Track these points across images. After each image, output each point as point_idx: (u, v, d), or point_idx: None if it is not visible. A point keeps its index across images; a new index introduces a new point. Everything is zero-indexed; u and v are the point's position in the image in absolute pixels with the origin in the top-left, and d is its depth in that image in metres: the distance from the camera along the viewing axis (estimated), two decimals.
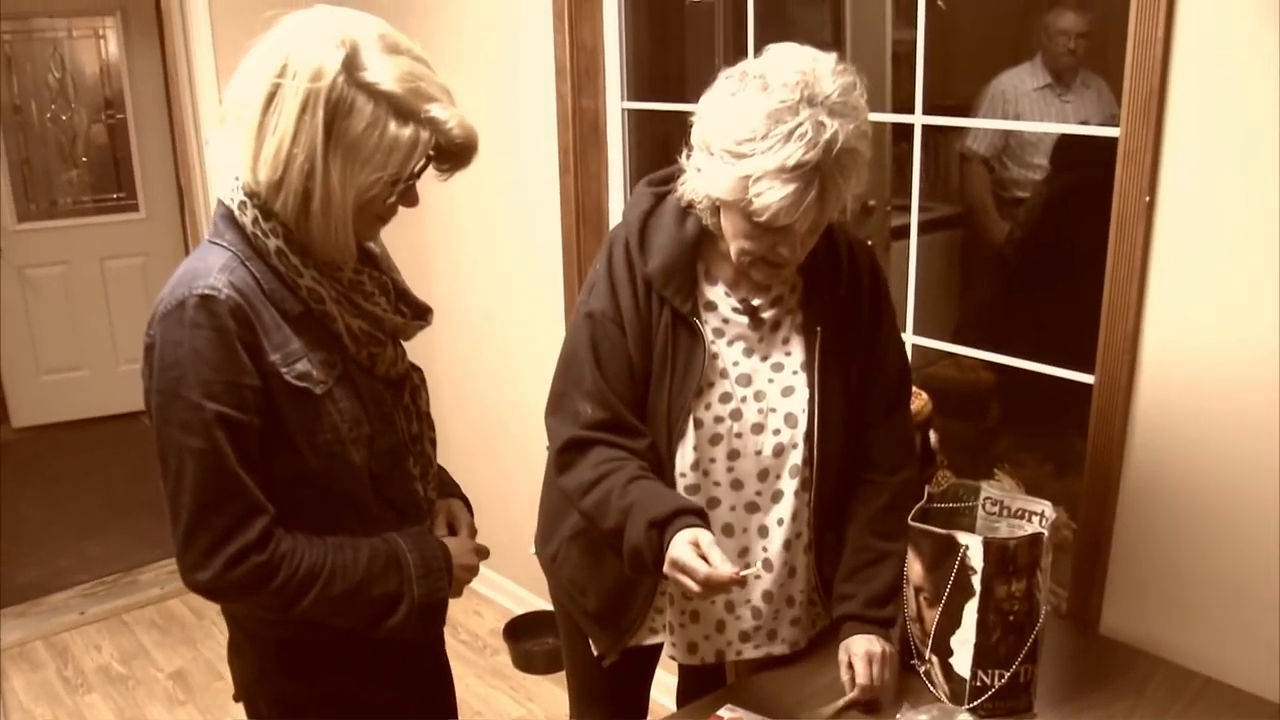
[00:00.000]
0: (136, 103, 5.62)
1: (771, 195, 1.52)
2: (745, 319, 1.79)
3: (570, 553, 1.93)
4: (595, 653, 1.95)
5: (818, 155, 1.50)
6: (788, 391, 1.79)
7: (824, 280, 1.79)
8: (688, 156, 1.69)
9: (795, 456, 1.79)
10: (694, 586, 1.55)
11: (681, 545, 1.58)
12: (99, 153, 5.81)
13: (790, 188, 1.51)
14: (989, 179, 3.44)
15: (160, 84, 5.51)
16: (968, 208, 3.70)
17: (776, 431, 1.79)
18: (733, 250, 1.68)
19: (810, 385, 1.79)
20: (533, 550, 2.06)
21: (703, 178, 1.63)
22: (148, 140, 5.68)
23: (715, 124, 1.59)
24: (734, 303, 1.79)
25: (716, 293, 1.79)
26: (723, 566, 1.54)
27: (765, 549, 1.82)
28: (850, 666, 1.76)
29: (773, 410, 1.79)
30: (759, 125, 1.52)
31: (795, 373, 1.80)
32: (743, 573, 1.56)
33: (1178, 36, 1.79)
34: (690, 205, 1.74)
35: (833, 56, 1.59)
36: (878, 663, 1.74)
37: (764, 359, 1.80)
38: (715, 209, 1.69)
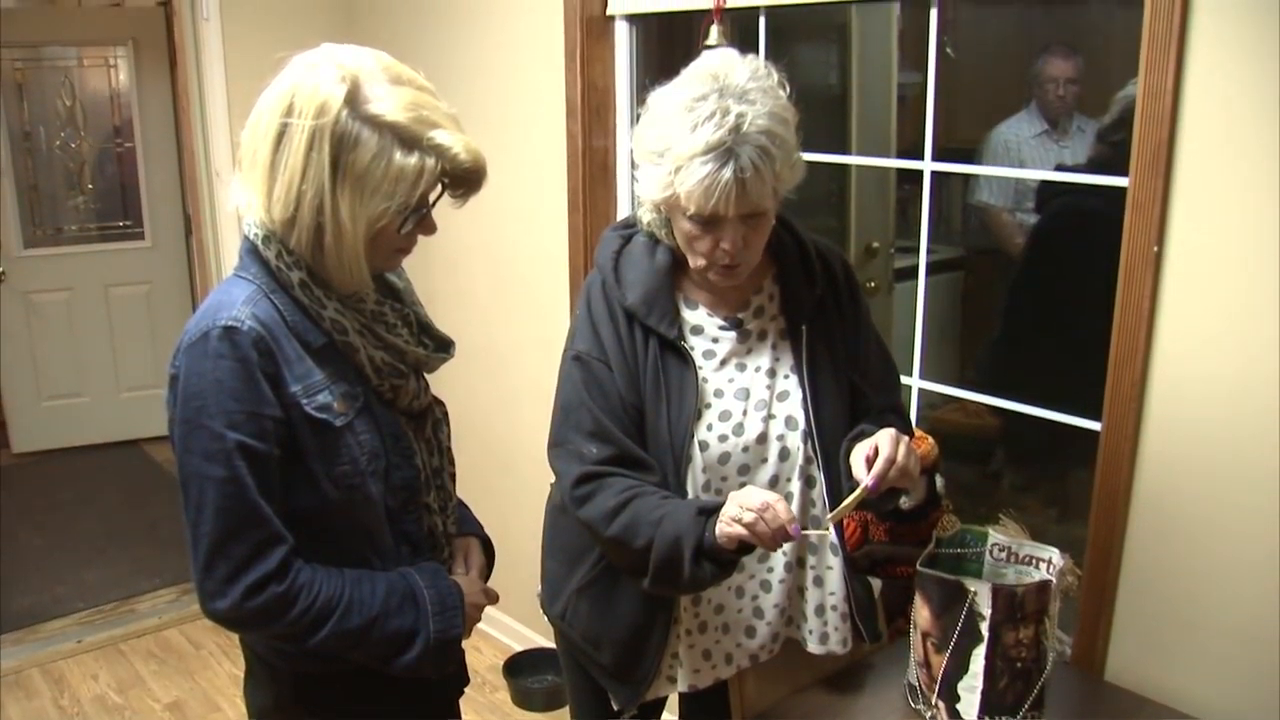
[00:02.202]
0: (145, 132, 5.66)
1: (691, 179, 1.59)
2: (734, 334, 1.82)
3: (580, 606, 1.93)
4: (615, 708, 1.94)
5: (727, 135, 1.57)
6: (783, 395, 1.82)
7: (799, 283, 1.84)
8: (635, 179, 1.76)
9: (799, 456, 1.81)
10: (751, 510, 1.56)
11: (736, 493, 1.62)
12: (106, 180, 5.85)
13: (706, 169, 1.58)
14: (1017, 226, 3.47)
15: (169, 113, 5.56)
16: (981, 254, 3.73)
17: (780, 437, 1.81)
18: (688, 256, 1.74)
19: (802, 384, 1.81)
20: (541, 608, 2.06)
21: (642, 186, 1.71)
22: (155, 169, 5.71)
23: (643, 133, 1.69)
24: (719, 321, 1.82)
25: (699, 316, 1.83)
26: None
27: (784, 552, 1.83)
28: (866, 461, 1.63)
29: (773, 417, 1.81)
30: (676, 119, 1.61)
31: (787, 376, 1.83)
32: (804, 532, 1.63)
33: (1187, 88, 1.81)
34: (654, 236, 1.80)
35: (749, 55, 1.68)
36: (904, 445, 1.63)
37: (757, 369, 1.83)
38: (668, 221, 1.75)
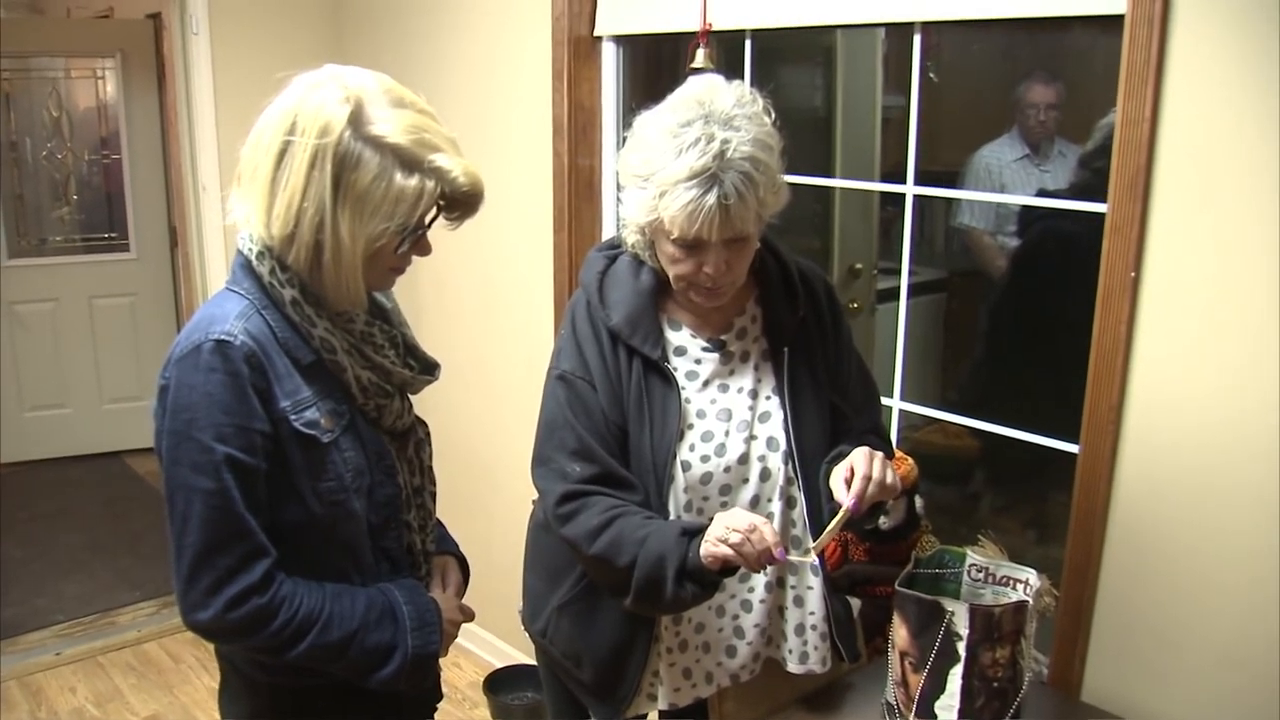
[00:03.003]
0: (132, 143, 5.65)
1: (675, 204, 1.61)
2: (716, 355, 1.84)
3: (560, 624, 1.94)
4: None
5: (712, 161, 1.59)
6: (765, 417, 1.84)
7: (782, 306, 1.85)
8: (620, 201, 1.78)
9: (780, 477, 1.83)
10: (738, 531, 1.57)
11: (722, 514, 1.64)
12: (92, 192, 5.83)
13: (690, 194, 1.59)
14: (998, 249, 3.50)
15: (155, 126, 5.56)
16: (963, 276, 3.75)
17: (761, 458, 1.83)
18: (671, 278, 1.76)
19: (783, 406, 1.83)
20: (522, 626, 2.07)
21: (626, 208, 1.73)
22: (141, 181, 5.70)
23: (629, 157, 1.70)
24: (703, 342, 1.84)
25: (683, 337, 1.84)
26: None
27: (765, 571, 1.83)
28: (845, 483, 1.65)
29: (754, 438, 1.83)
30: (661, 144, 1.63)
31: (769, 397, 1.85)
32: (790, 557, 1.63)
33: (1164, 115, 1.84)
34: (638, 256, 1.82)
35: (735, 81, 1.70)
36: (878, 461, 1.65)
37: (740, 390, 1.84)
38: (651, 243, 1.77)
